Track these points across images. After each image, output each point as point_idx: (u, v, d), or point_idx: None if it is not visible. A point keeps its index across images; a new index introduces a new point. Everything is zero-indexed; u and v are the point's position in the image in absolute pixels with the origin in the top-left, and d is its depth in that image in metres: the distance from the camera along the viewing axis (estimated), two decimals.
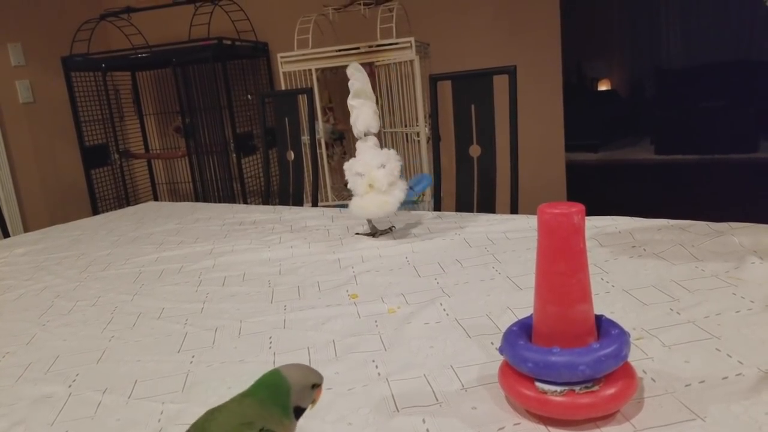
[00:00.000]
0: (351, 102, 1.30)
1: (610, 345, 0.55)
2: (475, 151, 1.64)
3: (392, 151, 1.30)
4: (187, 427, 0.64)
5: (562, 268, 0.56)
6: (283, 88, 2.80)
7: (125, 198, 3.64)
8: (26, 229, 3.35)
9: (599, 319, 0.60)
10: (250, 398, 0.49)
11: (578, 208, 0.55)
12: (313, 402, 0.52)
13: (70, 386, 0.77)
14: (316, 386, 0.52)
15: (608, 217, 1.23)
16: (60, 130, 3.56)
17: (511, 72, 1.56)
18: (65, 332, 0.97)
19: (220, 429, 0.46)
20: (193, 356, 0.82)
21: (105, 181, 3.58)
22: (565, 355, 0.55)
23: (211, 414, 0.48)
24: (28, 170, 3.43)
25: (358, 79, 1.28)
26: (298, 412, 0.50)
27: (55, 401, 0.74)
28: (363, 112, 1.29)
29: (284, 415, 0.48)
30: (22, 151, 3.39)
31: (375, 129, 1.31)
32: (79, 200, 3.62)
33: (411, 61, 2.62)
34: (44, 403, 0.74)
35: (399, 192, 1.27)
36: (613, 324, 0.59)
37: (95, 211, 3.47)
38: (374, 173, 1.26)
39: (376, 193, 1.26)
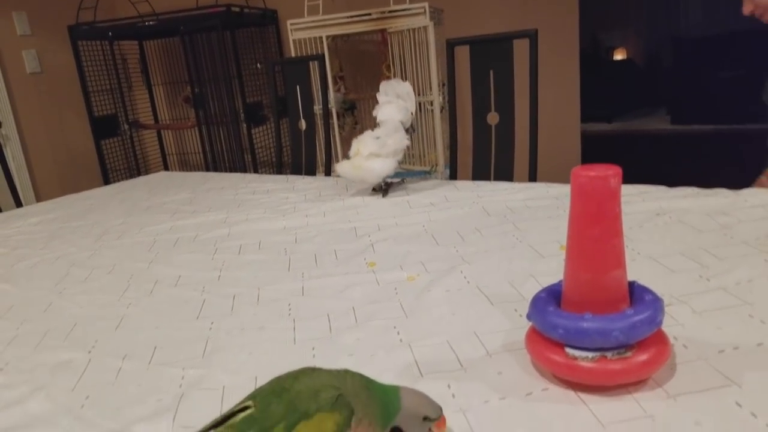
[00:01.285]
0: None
1: (644, 311, 0.54)
2: (492, 118, 1.60)
3: (404, 136, 1.39)
4: (209, 392, 0.64)
5: (596, 233, 0.54)
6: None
7: (136, 169, 3.64)
8: (38, 199, 3.35)
9: (632, 285, 0.58)
10: (360, 379, 0.47)
11: (615, 171, 0.52)
12: None
13: (89, 352, 0.77)
14: (429, 419, 0.48)
15: (631, 185, 1.21)
16: (69, 101, 3.54)
17: (531, 36, 1.52)
18: (82, 300, 0.96)
19: (312, 380, 0.45)
20: (212, 323, 0.81)
21: (115, 151, 3.58)
22: (597, 321, 0.53)
23: (312, 370, 0.47)
24: (38, 141, 3.42)
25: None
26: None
27: (76, 367, 0.73)
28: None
29: (379, 424, 0.46)
30: (31, 122, 3.37)
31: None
32: (90, 171, 3.62)
33: (424, 28, 2.57)
34: (64, 369, 0.73)
35: (380, 164, 1.34)
36: (646, 290, 0.57)
37: (106, 182, 3.47)
38: (366, 139, 1.36)
39: (359, 157, 1.35)
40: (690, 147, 5.32)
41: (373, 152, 1.34)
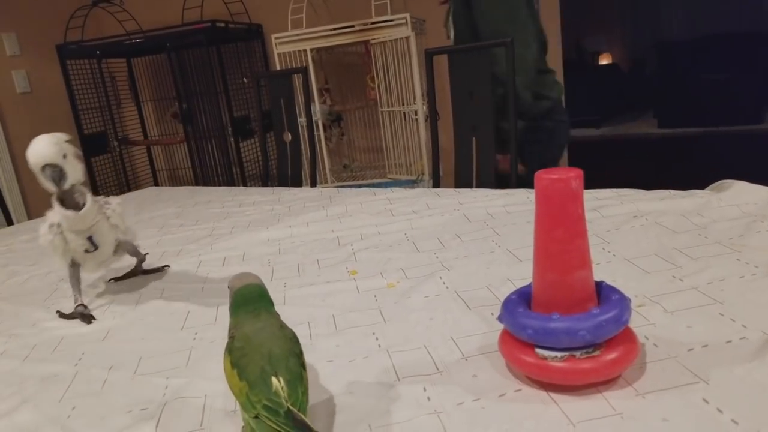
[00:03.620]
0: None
1: (610, 310, 0.55)
2: (473, 127, 1.62)
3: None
4: (191, 400, 0.65)
5: (560, 234, 0.55)
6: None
7: (126, 185, 3.64)
8: (29, 218, 3.35)
9: (599, 285, 0.60)
10: (261, 312, 0.58)
11: (576, 173, 0.54)
12: None
13: (76, 365, 0.78)
14: None
15: (610, 189, 1.23)
16: (58, 119, 3.55)
17: (508, 45, 1.54)
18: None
19: (265, 343, 0.54)
20: (196, 333, 0.83)
21: (105, 168, 3.58)
22: (564, 321, 0.55)
23: (242, 342, 0.55)
24: None
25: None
26: None
27: (62, 380, 0.74)
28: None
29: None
30: (21, 141, 3.38)
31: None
32: None
33: (407, 38, 2.60)
34: (51, 381, 0.74)
35: None
36: (613, 290, 0.59)
37: None
38: None
39: None
40: (678, 150, 5.35)
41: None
